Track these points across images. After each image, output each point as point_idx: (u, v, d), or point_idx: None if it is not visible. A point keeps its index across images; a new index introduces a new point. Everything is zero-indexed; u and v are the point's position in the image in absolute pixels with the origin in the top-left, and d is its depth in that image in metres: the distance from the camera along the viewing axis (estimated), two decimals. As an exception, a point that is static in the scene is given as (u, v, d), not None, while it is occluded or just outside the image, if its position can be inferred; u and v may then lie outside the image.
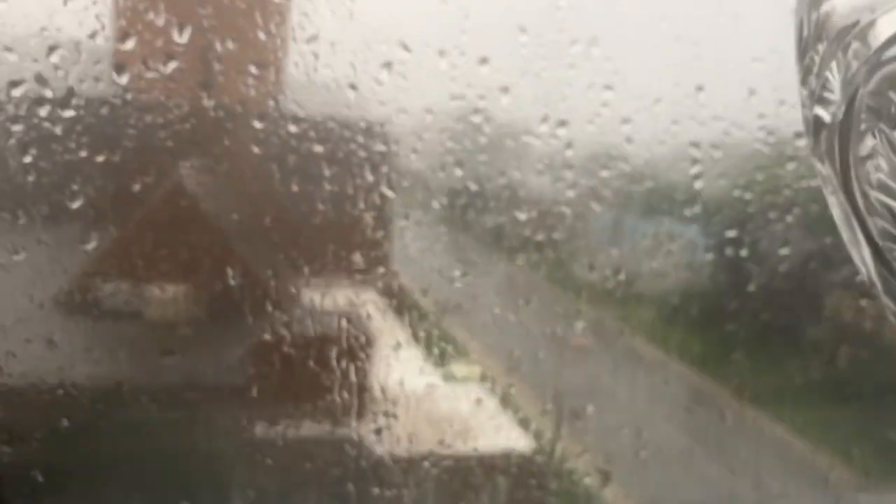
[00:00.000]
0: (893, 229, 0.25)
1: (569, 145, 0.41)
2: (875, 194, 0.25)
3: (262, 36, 0.37)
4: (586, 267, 0.41)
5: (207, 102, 0.37)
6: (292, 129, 0.39)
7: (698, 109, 0.42)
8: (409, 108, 0.39)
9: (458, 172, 0.41)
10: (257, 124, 0.38)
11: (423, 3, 0.38)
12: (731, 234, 0.43)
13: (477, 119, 0.40)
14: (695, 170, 0.43)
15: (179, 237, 0.38)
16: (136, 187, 0.37)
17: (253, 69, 0.37)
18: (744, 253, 0.43)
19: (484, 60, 0.40)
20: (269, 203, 0.39)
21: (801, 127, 0.47)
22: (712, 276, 0.43)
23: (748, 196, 0.43)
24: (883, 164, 0.24)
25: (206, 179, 0.38)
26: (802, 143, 0.44)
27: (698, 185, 0.43)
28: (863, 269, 0.29)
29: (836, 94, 0.26)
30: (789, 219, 0.42)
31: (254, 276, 0.38)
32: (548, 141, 0.41)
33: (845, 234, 0.29)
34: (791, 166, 0.44)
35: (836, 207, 0.29)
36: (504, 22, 0.40)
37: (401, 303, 0.40)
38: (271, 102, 0.38)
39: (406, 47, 0.39)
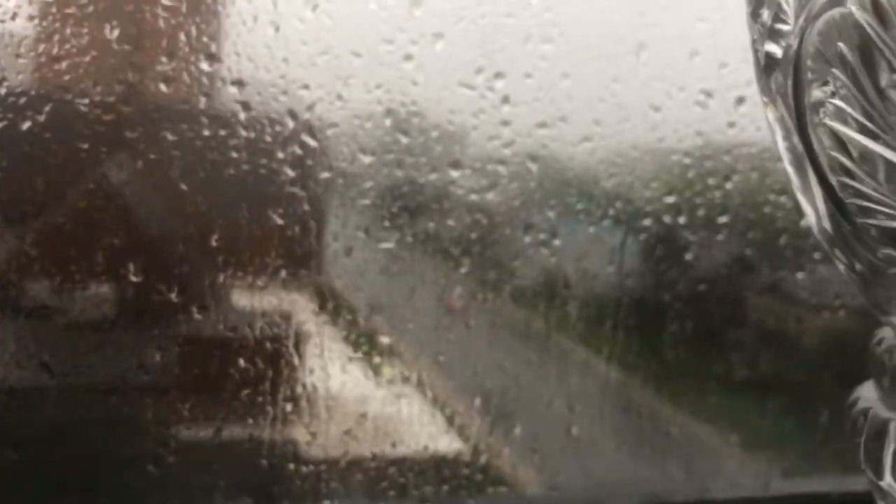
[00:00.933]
0: (850, 164, 0.24)
1: (505, 100, 0.39)
2: (831, 125, 0.23)
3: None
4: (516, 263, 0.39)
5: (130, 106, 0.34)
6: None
7: (640, 69, 0.41)
8: (335, 49, 0.36)
9: (389, 131, 0.38)
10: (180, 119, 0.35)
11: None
12: (670, 199, 0.42)
13: (409, 66, 0.38)
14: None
15: (103, 234, 0.36)
16: (58, 183, 0.35)
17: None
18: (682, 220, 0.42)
19: (416, 3, 0.37)
20: (195, 201, 0.36)
21: (742, 92, 0.46)
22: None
23: (687, 160, 0.42)
24: (839, 102, 0.23)
25: (131, 174, 0.36)
26: (744, 109, 0.42)
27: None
28: (813, 218, 0.27)
29: (790, 24, 0.25)
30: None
31: (179, 276, 0.36)
32: (483, 93, 0.39)
33: (796, 180, 0.27)
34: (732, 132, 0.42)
35: (788, 152, 0.27)
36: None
37: (329, 303, 0.38)
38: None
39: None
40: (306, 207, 0.37)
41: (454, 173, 0.39)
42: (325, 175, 0.37)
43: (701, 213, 0.42)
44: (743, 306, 0.42)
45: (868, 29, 0.21)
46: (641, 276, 0.41)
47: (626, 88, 0.41)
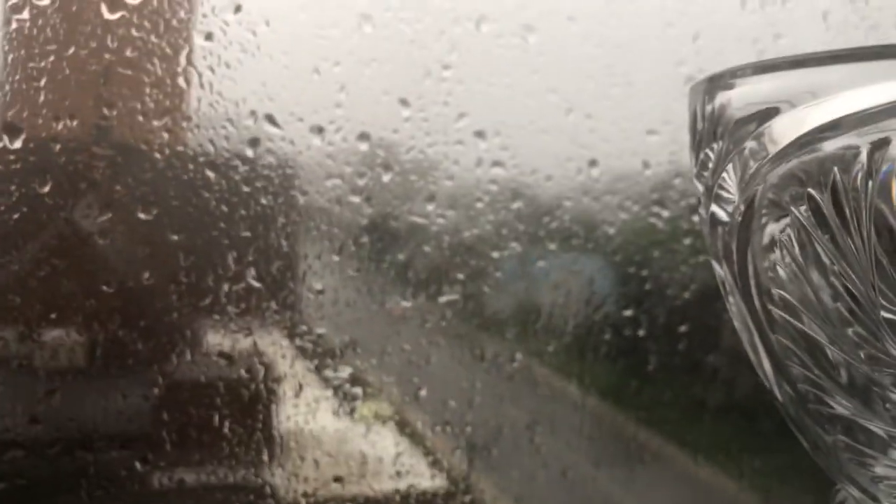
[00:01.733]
0: (792, 342, 0.23)
1: (457, 229, 0.38)
2: (775, 291, 0.23)
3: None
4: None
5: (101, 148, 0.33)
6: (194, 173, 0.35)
7: (592, 184, 0.40)
8: (279, 191, 0.36)
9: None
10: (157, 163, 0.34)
11: (293, 75, 0.35)
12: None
13: (356, 199, 0.37)
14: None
15: (72, 280, 0.35)
16: (25, 228, 0.34)
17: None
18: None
19: (364, 136, 0.37)
20: (166, 244, 0.35)
21: (695, 199, 0.45)
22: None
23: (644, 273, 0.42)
24: (787, 258, 0.22)
25: (101, 222, 0.35)
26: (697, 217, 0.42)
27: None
28: (763, 378, 0.27)
29: (733, 193, 0.25)
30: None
31: (151, 319, 0.36)
32: (435, 220, 0.38)
33: (743, 335, 0.27)
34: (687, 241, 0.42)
35: (733, 307, 0.27)
36: (385, 94, 0.37)
37: (306, 343, 0.37)
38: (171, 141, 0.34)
39: (274, 122, 0.35)
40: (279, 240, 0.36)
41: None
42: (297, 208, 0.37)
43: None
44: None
45: (806, 225, 0.20)
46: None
47: (577, 205, 0.40)
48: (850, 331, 0.21)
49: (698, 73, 0.41)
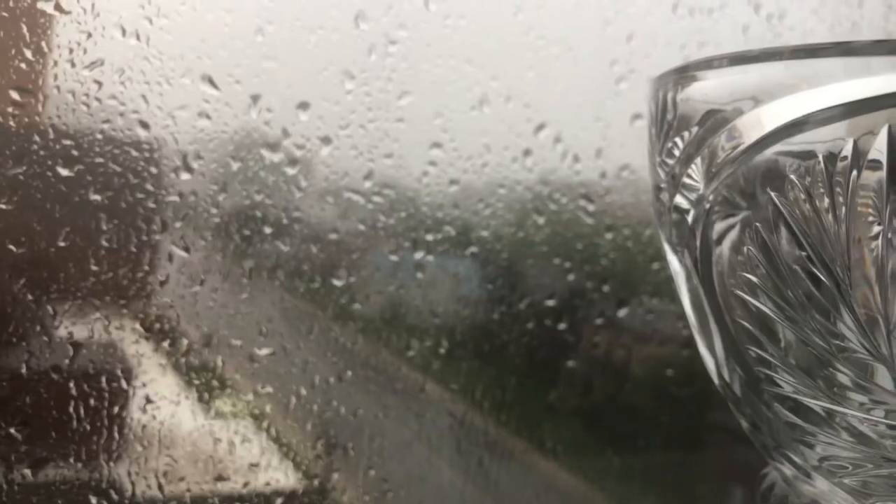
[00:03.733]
0: (749, 322, 0.24)
1: (392, 208, 0.37)
2: (739, 274, 0.24)
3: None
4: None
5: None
6: (62, 172, 0.32)
7: (525, 174, 0.41)
8: (212, 155, 0.34)
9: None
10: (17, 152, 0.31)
11: (231, 38, 0.33)
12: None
13: (293, 171, 0.36)
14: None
15: None
16: None
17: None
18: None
19: (303, 106, 0.36)
20: (20, 227, 0.32)
21: (624, 199, 0.47)
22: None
23: (568, 265, 0.42)
24: (752, 244, 0.23)
25: None
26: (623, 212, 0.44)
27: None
28: (709, 360, 0.28)
29: (698, 182, 0.25)
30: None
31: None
32: (371, 198, 0.37)
33: (696, 326, 0.28)
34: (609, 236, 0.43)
35: (688, 295, 0.28)
36: (328, 66, 0.36)
37: (164, 334, 0.35)
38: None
39: (212, 83, 0.33)
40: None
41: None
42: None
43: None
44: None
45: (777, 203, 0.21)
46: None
47: (509, 193, 0.41)
48: (806, 314, 0.22)
49: (629, 73, 0.43)
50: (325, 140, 0.36)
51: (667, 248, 0.27)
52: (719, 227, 0.24)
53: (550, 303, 0.42)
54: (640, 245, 0.43)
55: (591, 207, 0.43)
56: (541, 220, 0.41)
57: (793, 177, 0.21)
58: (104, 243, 0.32)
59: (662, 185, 0.26)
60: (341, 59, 0.36)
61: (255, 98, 0.34)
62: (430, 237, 0.39)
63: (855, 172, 0.19)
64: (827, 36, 0.48)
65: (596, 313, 0.43)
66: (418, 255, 0.39)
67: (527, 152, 0.41)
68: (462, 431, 0.41)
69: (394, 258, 0.38)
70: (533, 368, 0.42)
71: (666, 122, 0.26)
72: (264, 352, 0.36)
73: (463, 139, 0.39)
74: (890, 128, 0.19)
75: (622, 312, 0.43)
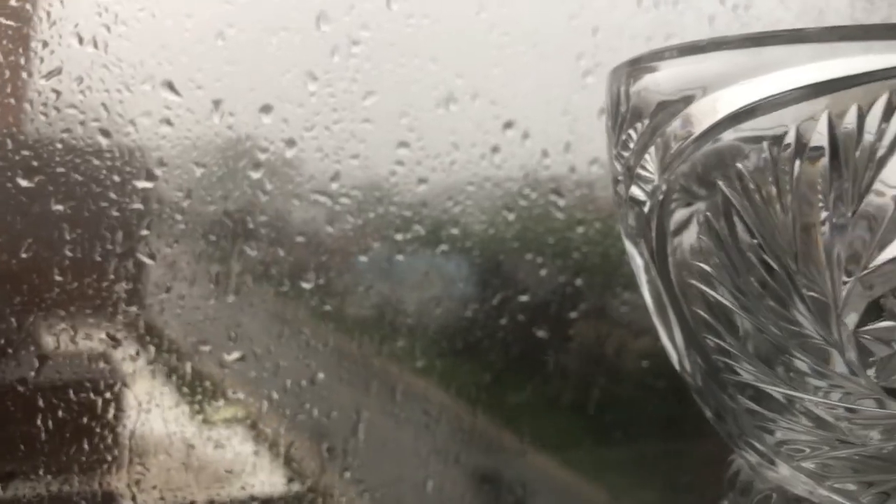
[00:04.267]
0: (707, 312, 0.25)
1: (360, 209, 0.37)
2: (694, 264, 0.24)
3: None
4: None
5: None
6: (22, 183, 0.32)
7: (494, 171, 0.41)
8: (176, 161, 0.33)
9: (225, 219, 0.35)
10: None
11: (191, 43, 0.33)
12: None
13: (257, 175, 0.35)
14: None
15: None
16: None
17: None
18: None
19: (266, 109, 0.35)
20: (7, 236, 0.32)
21: (594, 192, 0.47)
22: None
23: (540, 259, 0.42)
24: (706, 234, 0.23)
25: None
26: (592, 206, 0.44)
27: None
28: (672, 351, 0.28)
29: (653, 173, 0.25)
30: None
31: None
32: (338, 200, 0.37)
33: (655, 315, 0.28)
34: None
35: (647, 286, 0.28)
36: (290, 69, 0.36)
37: (156, 343, 0.35)
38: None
39: (174, 89, 0.33)
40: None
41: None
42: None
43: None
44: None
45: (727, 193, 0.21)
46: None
47: (479, 190, 0.41)
48: (761, 302, 0.22)
49: (595, 66, 0.43)
50: (290, 142, 0.36)
51: (626, 240, 0.27)
52: (678, 216, 0.24)
53: (524, 298, 0.42)
54: (611, 238, 0.43)
55: (561, 202, 0.43)
56: (511, 217, 0.41)
57: (740, 165, 0.21)
58: (68, 253, 0.32)
59: (619, 178, 0.26)
60: (304, 60, 0.36)
61: (218, 103, 0.34)
62: (399, 237, 0.39)
63: (798, 160, 0.19)
64: (794, 24, 0.48)
65: (569, 307, 0.43)
66: (388, 255, 0.39)
67: (495, 149, 0.41)
68: (438, 429, 0.41)
69: (363, 259, 0.38)
70: (508, 364, 0.42)
71: (620, 115, 0.26)
72: (234, 356, 0.36)
73: (430, 138, 0.39)
74: (830, 114, 0.19)
75: (596, 305, 0.43)
